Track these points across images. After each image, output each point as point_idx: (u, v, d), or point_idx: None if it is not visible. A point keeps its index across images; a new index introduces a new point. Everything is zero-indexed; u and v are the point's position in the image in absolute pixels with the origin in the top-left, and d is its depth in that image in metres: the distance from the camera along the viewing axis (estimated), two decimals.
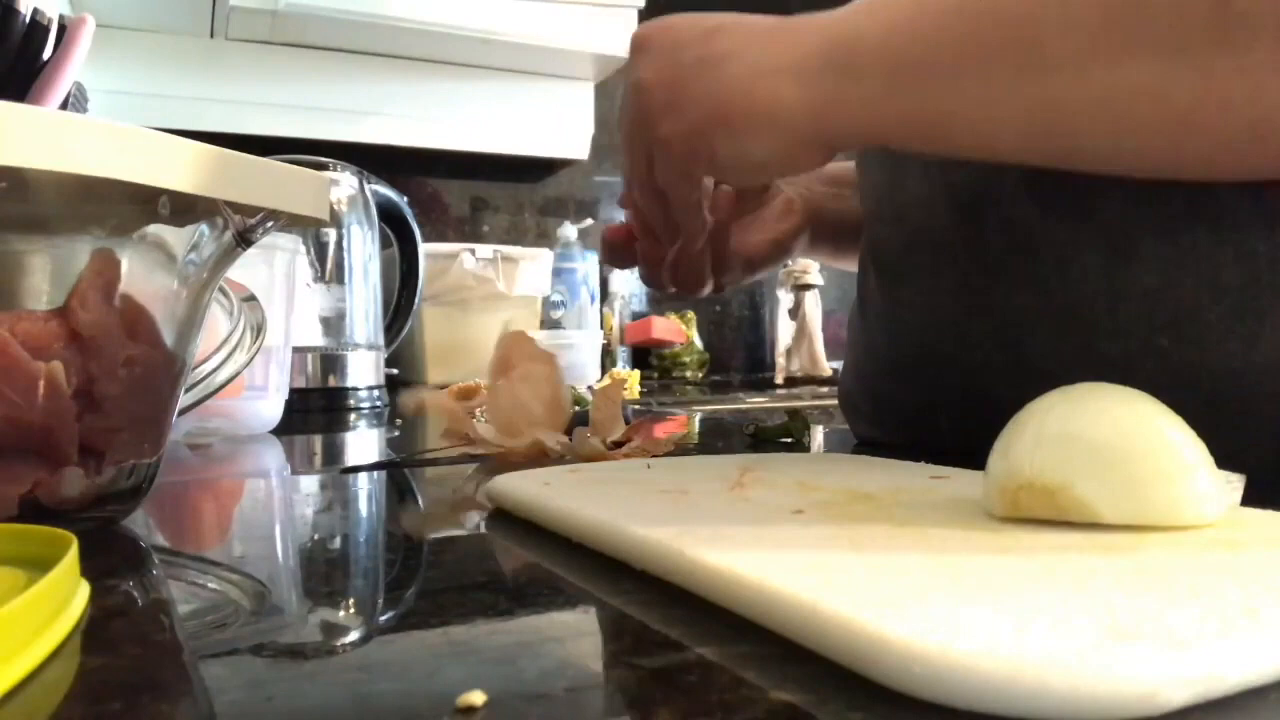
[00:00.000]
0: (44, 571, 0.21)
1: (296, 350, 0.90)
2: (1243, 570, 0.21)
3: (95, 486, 0.33)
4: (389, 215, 1.19)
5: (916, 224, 0.50)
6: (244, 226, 0.35)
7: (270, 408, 0.74)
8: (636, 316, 1.83)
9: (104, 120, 0.29)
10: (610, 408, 0.59)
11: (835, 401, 0.65)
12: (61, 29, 0.56)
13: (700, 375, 1.84)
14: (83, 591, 0.23)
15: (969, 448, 0.36)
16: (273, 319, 0.55)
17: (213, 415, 0.65)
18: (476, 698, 0.17)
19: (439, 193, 1.76)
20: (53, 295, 0.32)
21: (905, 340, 0.52)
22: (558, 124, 1.69)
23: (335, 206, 1.08)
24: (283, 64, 1.49)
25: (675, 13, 0.45)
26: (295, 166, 0.36)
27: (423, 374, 1.40)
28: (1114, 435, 0.25)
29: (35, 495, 0.31)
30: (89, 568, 0.25)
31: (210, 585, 0.29)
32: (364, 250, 1.11)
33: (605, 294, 1.76)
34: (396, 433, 0.80)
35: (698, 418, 0.91)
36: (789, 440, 0.60)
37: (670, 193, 0.46)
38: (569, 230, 1.64)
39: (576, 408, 0.59)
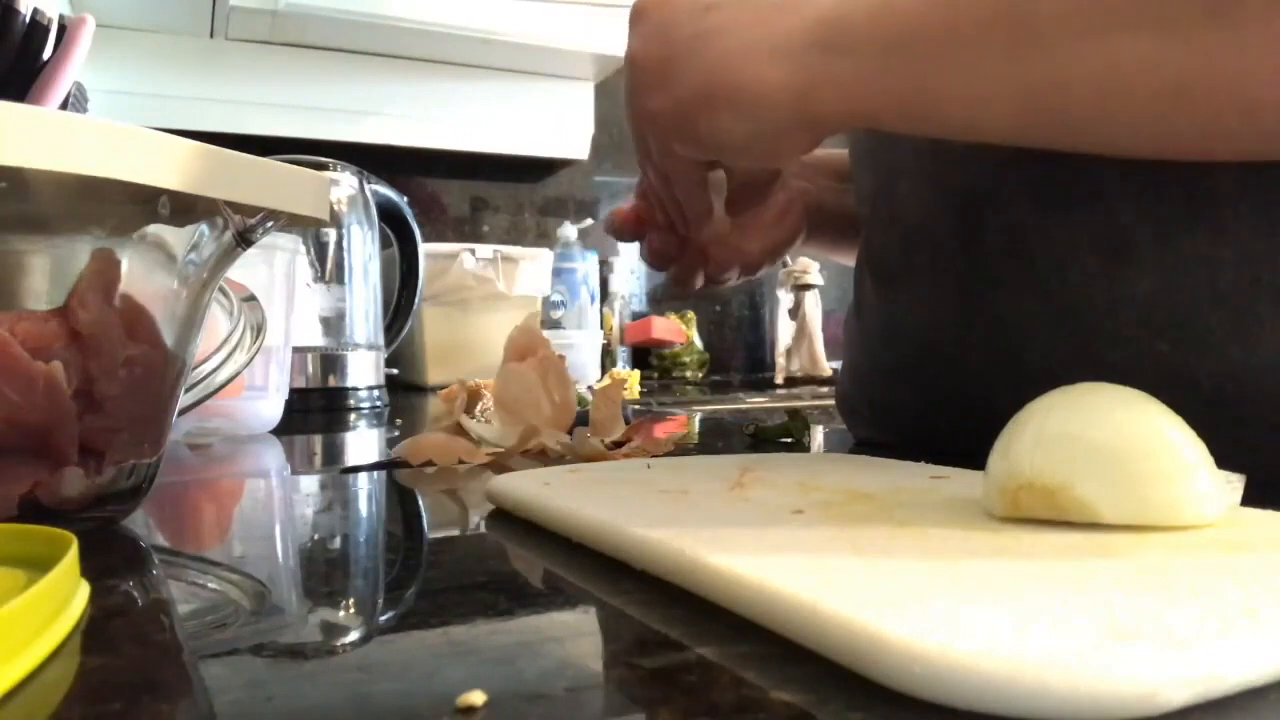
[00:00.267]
0: (44, 571, 0.21)
1: (296, 350, 0.90)
2: (1243, 570, 0.21)
3: (95, 486, 0.33)
4: (389, 215, 1.19)
5: (912, 228, 0.50)
6: (244, 226, 0.35)
7: (270, 408, 0.74)
8: (636, 316, 1.83)
9: (104, 120, 0.29)
10: (610, 408, 0.60)
11: (834, 402, 0.65)
12: (61, 29, 0.56)
13: (700, 375, 1.84)
14: (83, 591, 0.23)
15: (968, 448, 0.36)
16: (273, 319, 0.55)
17: (213, 415, 0.65)
18: (476, 698, 0.17)
19: (439, 193, 1.76)
20: (53, 295, 0.32)
21: (902, 343, 0.52)
22: (558, 124, 1.69)
23: (335, 206, 1.08)
24: (283, 64, 1.49)
25: None
26: (295, 166, 0.36)
27: (423, 374, 1.40)
28: (1114, 435, 0.25)
29: (35, 495, 0.31)
30: (89, 568, 0.25)
31: (210, 585, 0.29)
32: (364, 250, 1.11)
33: (605, 294, 1.76)
34: (396, 433, 0.80)
35: (698, 418, 0.91)
36: (789, 440, 0.60)
37: (670, 173, 0.46)
38: (569, 230, 1.64)
39: (577, 408, 0.59)
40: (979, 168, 0.45)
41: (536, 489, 0.34)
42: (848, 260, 0.63)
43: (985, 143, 0.38)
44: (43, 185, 0.30)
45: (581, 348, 1.49)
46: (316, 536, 0.36)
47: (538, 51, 1.55)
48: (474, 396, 0.63)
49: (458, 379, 0.67)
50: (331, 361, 1.06)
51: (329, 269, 1.07)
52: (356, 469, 0.54)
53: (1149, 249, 0.39)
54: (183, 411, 0.42)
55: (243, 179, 0.34)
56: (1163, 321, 0.39)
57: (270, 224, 0.36)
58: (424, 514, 0.41)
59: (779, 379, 1.72)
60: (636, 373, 1.54)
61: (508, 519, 0.34)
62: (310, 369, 1.04)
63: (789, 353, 1.72)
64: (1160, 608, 0.18)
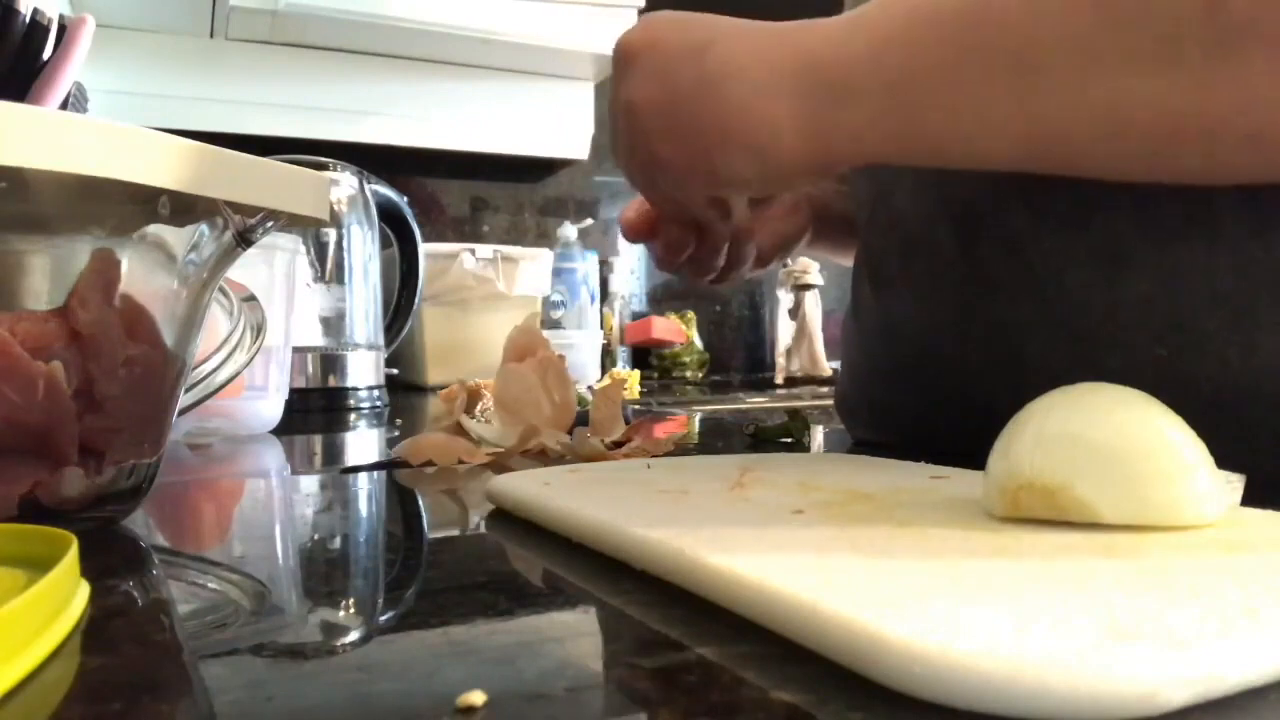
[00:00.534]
0: (44, 571, 0.21)
1: (296, 350, 0.90)
2: (1243, 570, 0.21)
3: (95, 486, 0.33)
4: (389, 215, 1.19)
5: (910, 233, 0.50)
6: (244, 226, 0.35)
7: (270, 408, 0.74)
8: (636, 316, 1.83)
9: (104, 120, 0.29)
10: (610, 408, 0.60)
11: (833, 403, 0.65)
12: (61, 29, 0.56)
13: (700, 375, 1.84)
14: (83, 591, 0.23)
15: (968, 449, 0.36)
16: (273, 319, 0.55)
17: (213, 415, 0.65)
18: (476, 698, 0.17)
19: (438, 193, 1.76)
20: (53, 295, 0.32)
21: (901, 345, 0.52)
22: (558, 124, 1.69)
23: (335, 206, 1.08)
24: (283, 64, 1.49)
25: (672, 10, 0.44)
26: (295, 166, 0.36)
27: (423, 374, 1.40)
28: (1114, 435, 0.25)
29: (35, 495, 0.31)
30: (89, 568, 0.25)
31: (210, 585, 0.29)
32: (364, 250, 1.11)
33: (605, 294, 1.76)
34: (396, 433, 0.80)
35: (698, 418, 0.91)
36: (789, 440, 0.60)
37: (683, 200, 0.47)
38: (569, 230, 1.64)
39: (577, 408, 0.59)
40: (977, 177, 0.45)
41: (536, 489, 0.34)
42: (851, 262, 0.63)
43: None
44: (43, 185, 0.30)
45: (581, 348, 1.49)
46: (316, 536, 0.36)
47: (538, 51, 1.55)
48: (474, 396, 0.63)
49: (458, 379, 0.67)
50: (331, 361, 1.06)
51: (329, 269, 1.07)
52: (356, 469, 0.54)
53: (1146, 255, 0.39)
54: (183, 411, 0.42)
55: (243, 179, 0.34)
56: (1161, 326, 0.39)
57: (270, 224, 0.36)
58: (424, 514, 0.41)
59: (779, 379, 1.72)
60: (636, 373, 1.54)
61: (508, 519, 0.34)
62: (310, 369, 1.04)
63: (789, 353, 1.72)
64: (1160, 608, 0.18)
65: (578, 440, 0.53)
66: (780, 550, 0.23)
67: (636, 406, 1.16)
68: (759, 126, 0.39)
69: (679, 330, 1.81)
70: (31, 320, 0.30)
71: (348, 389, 1.07)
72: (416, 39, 1.48)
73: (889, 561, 0.22)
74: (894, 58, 0.37)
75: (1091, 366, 0.41)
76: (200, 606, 0.26)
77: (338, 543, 0.35)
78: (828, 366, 1.68)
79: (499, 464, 0.51)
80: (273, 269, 0.73)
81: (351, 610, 0.25)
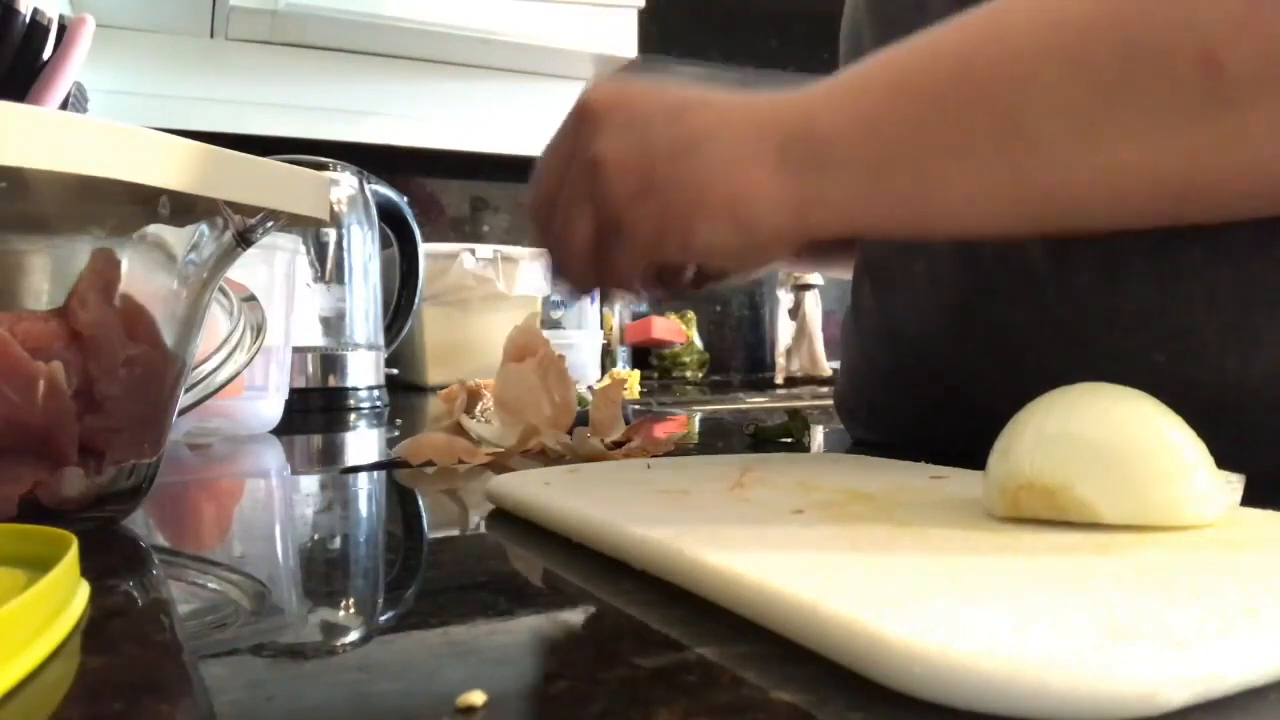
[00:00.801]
0: (44, 571, 0.21)
1: (296, 350, 0.90)
2: (1243, 570, 0.21)
3: (95, 486, 0.33)
4: (389, 215, 1.19)
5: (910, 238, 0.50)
6: (244, 226, 0.35)
7: (270, 408, 0.74)
8: (636, 316, 1.83)
9: (104, 120, 0.29)
10: (610, 408, 0.60)
11: (833, 403, 0.65)
12: (61, 29, 0.56)
13: (700, 375, 1.84)
14: (83, 591, 0.23)
15: (968, 449, 0.36)
16: (273, 319, 0.55)
17: (213, 415, 0.65)
18: (476, 698, 0.17)
19: (438, 193, 1.76)
20: (53, 295, 0.32)
21: (900, 347, 0.52)
22: (557, 124, 1.69)
23: (335, 206, 1.08)
24: (283, 64, 1.49)
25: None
26: (295, 166, 0.36)
27: (423, 374, 1.40)
28: (1114, 435, 0.25)
29: (35, 495, 0.31)
30: (89, 568, 0.25)
31: (210, 585, 0.29)
32: (364, 250, 1.11)
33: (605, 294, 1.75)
34: (396, 433, 0.80)
35: (698, 418, 0.91)
36: (789, 440, 0.60)
37: (621, 267, 0.42)
38: None
39: (577, 408, 0.59)
40: None
41: (536, 489, 0.34)
42: (838, 274, 0.62)
43: None
44: (43, 185, 0.30)
45: (581, 348, 1.49)
46: (316, 536, 0.36)
47: (538, 51, 1.55)
48: (474, 396, 0.63)
49: (458, 379, 0.67)
50: (331, 361, 1.06)
51: (329, 269, 1.07)
52: (356, 469, 0.54)
53: (1145, 263, 0.39)
54: (183, 411, 0.42)
55: (243, 179, 0.34)
56: (1159, 333, 0.39)
57: (270, 224, 0.36)
58: (424, 514, 0.41)
59: (779, 379, 1.72)
60: (636, 373, 1.54)
61: (508, 519, 0.34)
62: (310, 369, 1.04)
63: (789, 353, 1.72)
64: (1160, 608, 0.18)
65: (578, 440, 0.53)
66: (780, 550, 0.23)
67: (636, 406, 1.16)
68: (741, 196, 0.37)
69: (679, 330, 1.81)
70: (31, 320, 0.30)
71: (348, 389, 1.07)
72: (416, 39, 1.48)
73: (889, 561, 0.22)
74: (885, 132, 0.36)
75: (1090, 371, 0.41)
76: (200, 606, 0.26)
77: (338, 543, 0.35)
78: (828, 367, 1.68)
79: (499, 464, 0.51)
80: (273, 269, 0.73)
81: (351, 610, 0.25)
